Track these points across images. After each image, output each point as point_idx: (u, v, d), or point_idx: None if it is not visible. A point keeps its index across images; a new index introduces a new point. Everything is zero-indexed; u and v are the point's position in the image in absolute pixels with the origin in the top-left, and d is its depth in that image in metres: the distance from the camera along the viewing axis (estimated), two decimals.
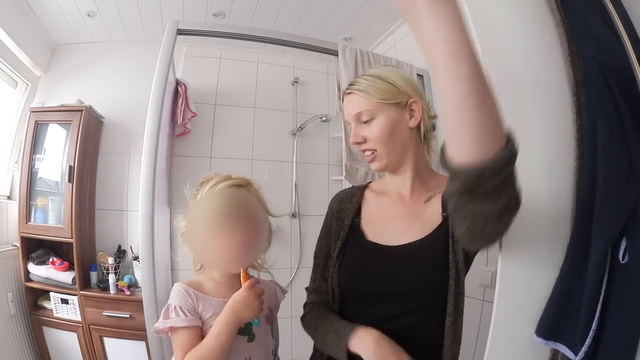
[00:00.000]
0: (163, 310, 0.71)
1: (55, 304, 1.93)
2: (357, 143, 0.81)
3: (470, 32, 0.42)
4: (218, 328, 0.67)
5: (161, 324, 0.69)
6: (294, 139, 2.28)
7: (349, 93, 0.82)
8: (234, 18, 2.09)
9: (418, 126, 0.80)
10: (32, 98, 2.22)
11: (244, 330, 0.73)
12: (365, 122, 0.79)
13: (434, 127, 0.85)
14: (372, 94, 0.78)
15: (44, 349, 1.96)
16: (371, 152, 0.80)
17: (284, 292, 0.88)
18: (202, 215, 0.71)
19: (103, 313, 1.89)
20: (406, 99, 0.78)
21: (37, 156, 2.01)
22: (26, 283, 1.93)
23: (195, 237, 0.73)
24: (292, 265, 2.21)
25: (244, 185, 0.75)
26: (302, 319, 0.85)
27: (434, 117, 0.84)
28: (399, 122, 0.78)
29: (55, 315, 1.94)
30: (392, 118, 0.77)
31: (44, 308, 1.97)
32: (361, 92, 0.79)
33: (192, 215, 0.74)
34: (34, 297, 1.98)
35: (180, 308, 0.69)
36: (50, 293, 1.92)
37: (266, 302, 0.78)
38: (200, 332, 0.70)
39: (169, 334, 0.70)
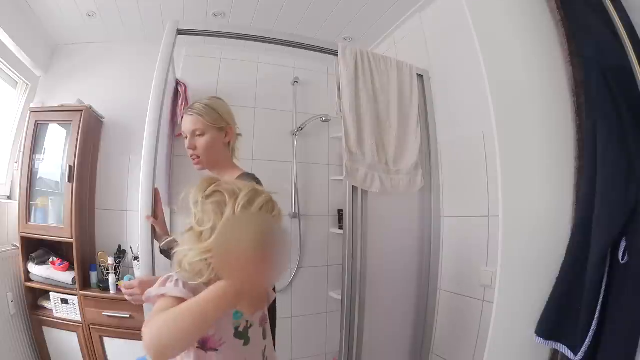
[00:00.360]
0: (160, 279, 0.67)
1: (55, 304, 1.93)
2: (190, 149, 1.17)
3: None
4: (211, 297, 0.59)
5: (155, 290, 0.65)
6: (294, 139, 2.28)
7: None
8: (234, 18, 2.09)
9: (229, 142, 1.22)
10: (32, 98, 2.21)
11: (242, 334, 0.72)
12: (198, 136, 1.15)
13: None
14: (205, 117, 1.15)
15: (44, 349, 1.96)
16: (197, 157, 1.16)
17: (274, 293, 0.88)
18: (251, 237, 0.62)
19: (103, 313, 1.89)
20: (225, 125, 1.19)
21: (37, 156, 2.00)
22: (26, 283, 1.92)
23: (233, 254, 0.62)
24: (292, 265, 2.21)
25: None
26: None
27: (239, 134, 1.28)
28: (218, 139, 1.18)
29: (55, 315, 1.94)
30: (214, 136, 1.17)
31: (44, 308, 1.97)
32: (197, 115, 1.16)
33: (236, 233, 0.64)
34: (34, 297, 1.98)
35: (182, 282, 0.65)
36: (50, 293, 1.92)
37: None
38: None
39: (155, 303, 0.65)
